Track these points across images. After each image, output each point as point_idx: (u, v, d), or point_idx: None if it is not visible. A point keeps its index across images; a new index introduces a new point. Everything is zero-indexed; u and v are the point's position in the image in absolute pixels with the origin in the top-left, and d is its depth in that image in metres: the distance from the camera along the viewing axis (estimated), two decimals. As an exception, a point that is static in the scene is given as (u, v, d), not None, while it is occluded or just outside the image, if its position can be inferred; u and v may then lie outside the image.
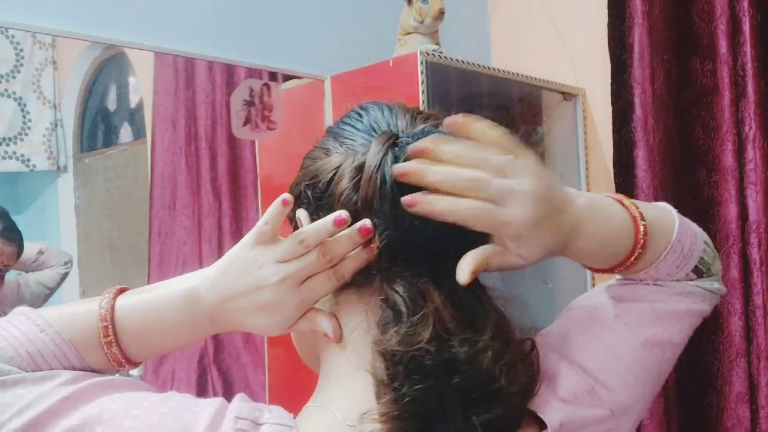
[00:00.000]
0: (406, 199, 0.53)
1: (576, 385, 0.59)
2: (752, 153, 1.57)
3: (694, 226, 0.68)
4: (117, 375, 0.60)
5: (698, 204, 1.64)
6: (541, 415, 0.56)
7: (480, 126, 0.53)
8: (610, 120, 1.74)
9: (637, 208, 0.62)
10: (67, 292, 1.38)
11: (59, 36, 1.34)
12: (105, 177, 1.51)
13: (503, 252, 0.54)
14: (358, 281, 0.58)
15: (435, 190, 0.52)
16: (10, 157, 1.35)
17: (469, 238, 0.54)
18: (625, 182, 1.70)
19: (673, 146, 1.68)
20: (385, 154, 0.55)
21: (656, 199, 1.64)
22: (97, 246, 1.48)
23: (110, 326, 0.56)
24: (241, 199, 1.62)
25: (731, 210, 1.59)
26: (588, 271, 1.87)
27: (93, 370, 0.56)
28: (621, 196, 0.63)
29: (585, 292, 2.09)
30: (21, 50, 1.35)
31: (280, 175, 1.60)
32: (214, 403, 0.54)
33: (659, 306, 0.64)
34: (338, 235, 0.55)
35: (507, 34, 2.12)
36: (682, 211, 0.69)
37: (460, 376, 0.52)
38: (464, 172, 0.52)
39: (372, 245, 0.56)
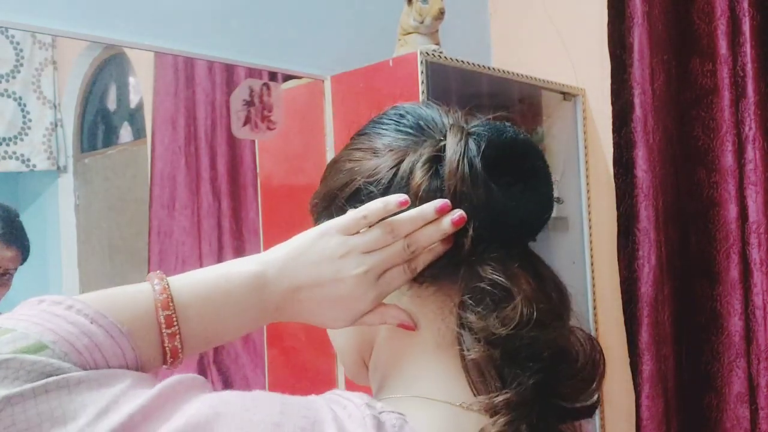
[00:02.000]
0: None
1: None
2: (752, 153, 1.57)
3: None
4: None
5: (698, 204, 1.64)
6: None
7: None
8: (610, 120, 1.74)
9: None
10: (67, 292, 1.37)
11: (59, 36, 1.34)
12: (105, 177, 1.51)
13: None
14: (434, 273, 0.57)
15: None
16: (10, 157, 1.35)
17: (546, 219, 0.59)
18: (625, 182, 1.70)
19: (673, 146, 1.68)
20: (467, 142, 0.56)
21: (656, 199, 1.64)
22: (97, 246, 1.47)
23: (174, 315, 0.50)
24: (241, 199, 1.62)
25: (731, 210, 1.59)
26: (588, 271, 1.87)
27: (140, 368, 0.49)
28: None
29: (585, 292, 2.08)
30: (21, 50, 1.35)
31: (280, 175, 1.60)
32: (317, 397, 0.51)
33: None
34: (426, 226, 0.55)
35: (507, 34, 2.12)
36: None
37: (567, 362, 0.54)
38: None
39: (450, 237, 0.56)
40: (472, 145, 0.56)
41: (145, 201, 1.53)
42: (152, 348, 0.50)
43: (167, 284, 0.51)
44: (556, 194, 1.93)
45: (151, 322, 0.50)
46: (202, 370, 1.55)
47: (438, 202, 0.55)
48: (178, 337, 0.51)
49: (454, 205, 0.55)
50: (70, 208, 1.45)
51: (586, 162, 1.90)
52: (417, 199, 0.55)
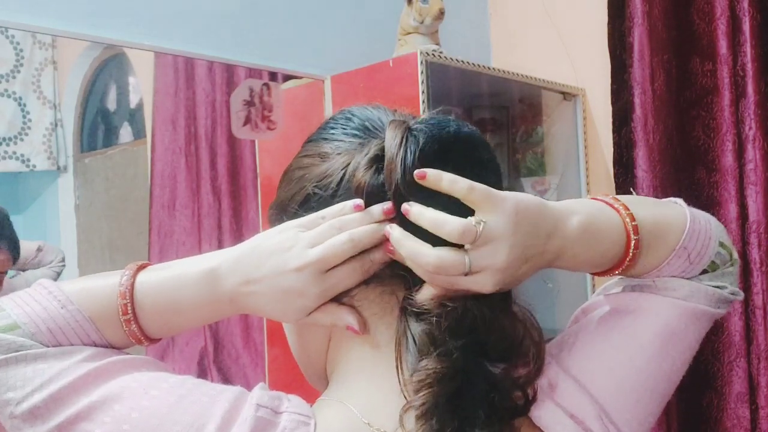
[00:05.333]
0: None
1: (582, 406, 0.58)
2: (752, 153, 1.57)
3: (713, 226, 0.65)
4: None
5: (698, 204, 1.64)
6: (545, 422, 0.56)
7: (449, 178, 0.54)
8: (610, 120, 1.74)
9: (633, 220, 0.59)
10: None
11: (59, 36, 1.34)
12: (105, 177, 1.51)
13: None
14: (381, 275, 0.58)
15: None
16: (10, 157, 1.35)
17: None
18: (625, 182, 1.70)
19: (673, 146, 1.68)
20: (406, 138, 0.56)
21: (656, 199, 1.64)
22: (97, 246, 1.47)
23: (129, 304, 0.56)
24: (241, 199, 1.62)
25: (731, 210, 1.59)
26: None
27: (112, 346, 0.57)
28: (620, 202, 0.61)
29: (585, 292, 2.08)
30: (21, 50, 1.35)
31: (280, 175, 1.60)
32: (233, 389, 0.54)
33: (667, 315, 0.62)
34: (366, 222, 0.56)
35: (507, 34, 2.12)
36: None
37: (493, 334, 0.55)
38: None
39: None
40: (411, 140, 0.56)
41: (146, 201, 1.53)
42: (117, 330, 0.57)
43: (133, 275, 0.57)
44: (547, 188, 1.92)
45: (114, 308, 0.56)
46: (202, 371, 1.55)
47: (386, 204, 0.55)
48: (134, 323, 0.56)
49: (399, 201, 0.55)
50: (70, 208, 1.45)
51: (586, 162, 1.90)
52: (364, 199, 0.56)
